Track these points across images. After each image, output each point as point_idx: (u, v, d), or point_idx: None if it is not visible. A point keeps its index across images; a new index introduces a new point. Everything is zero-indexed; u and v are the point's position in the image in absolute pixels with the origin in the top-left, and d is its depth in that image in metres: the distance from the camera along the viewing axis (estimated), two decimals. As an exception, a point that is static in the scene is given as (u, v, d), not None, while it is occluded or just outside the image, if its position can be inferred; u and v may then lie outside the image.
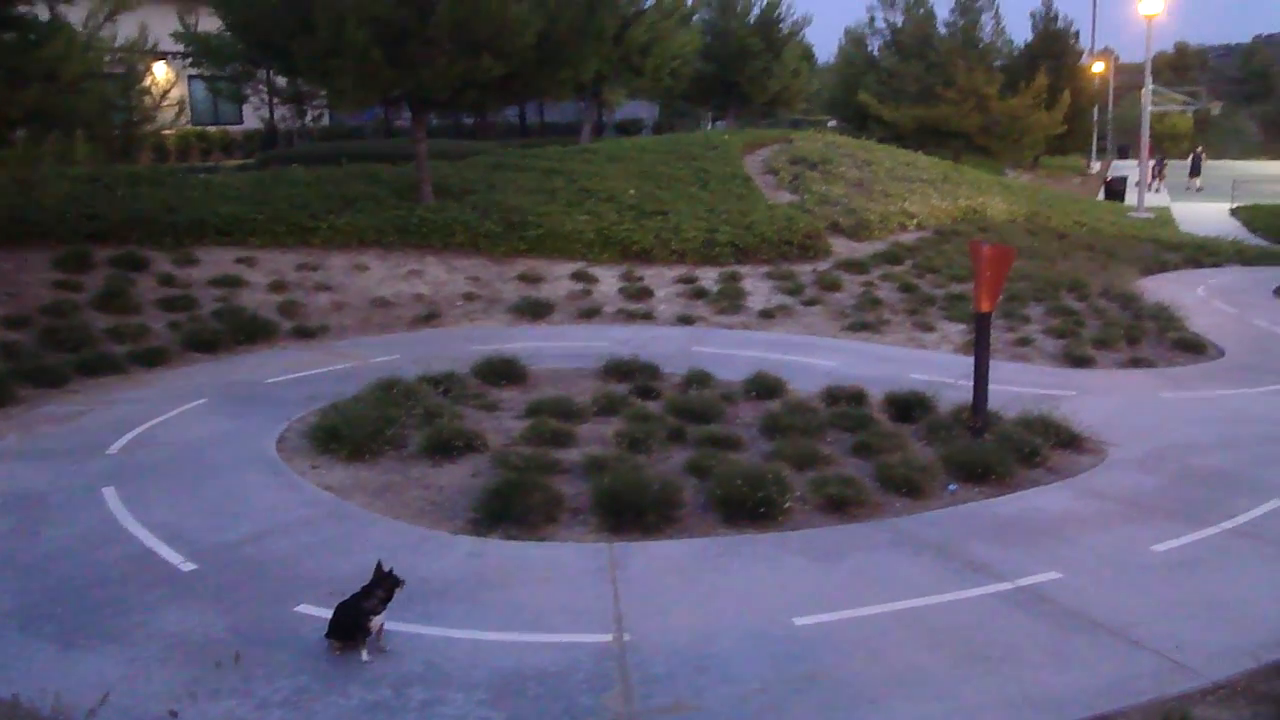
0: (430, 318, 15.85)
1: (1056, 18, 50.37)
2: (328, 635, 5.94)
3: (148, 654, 5.91)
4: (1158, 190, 47.12)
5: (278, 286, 16.16)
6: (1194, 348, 15.11)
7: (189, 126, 33.80)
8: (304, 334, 14.72)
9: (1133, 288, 19.33)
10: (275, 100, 35.37)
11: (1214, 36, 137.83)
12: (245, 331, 14.33)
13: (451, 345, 14.05)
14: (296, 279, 16.58)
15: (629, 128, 47.83)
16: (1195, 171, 49.48)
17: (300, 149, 31.99)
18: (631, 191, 21.86)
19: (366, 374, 11.90)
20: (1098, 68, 55.85)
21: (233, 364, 13.25)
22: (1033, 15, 50.66)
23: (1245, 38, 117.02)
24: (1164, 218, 35.67)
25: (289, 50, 17.81)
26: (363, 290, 16.56)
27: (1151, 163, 50.46)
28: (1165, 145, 63.69)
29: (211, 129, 36.44)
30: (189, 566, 7.08)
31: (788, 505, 8.22)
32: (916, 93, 41.16)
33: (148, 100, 26.75)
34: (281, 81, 33.14)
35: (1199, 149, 53.52)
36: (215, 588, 6.78)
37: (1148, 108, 40.57)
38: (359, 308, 15.97)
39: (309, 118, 37.01)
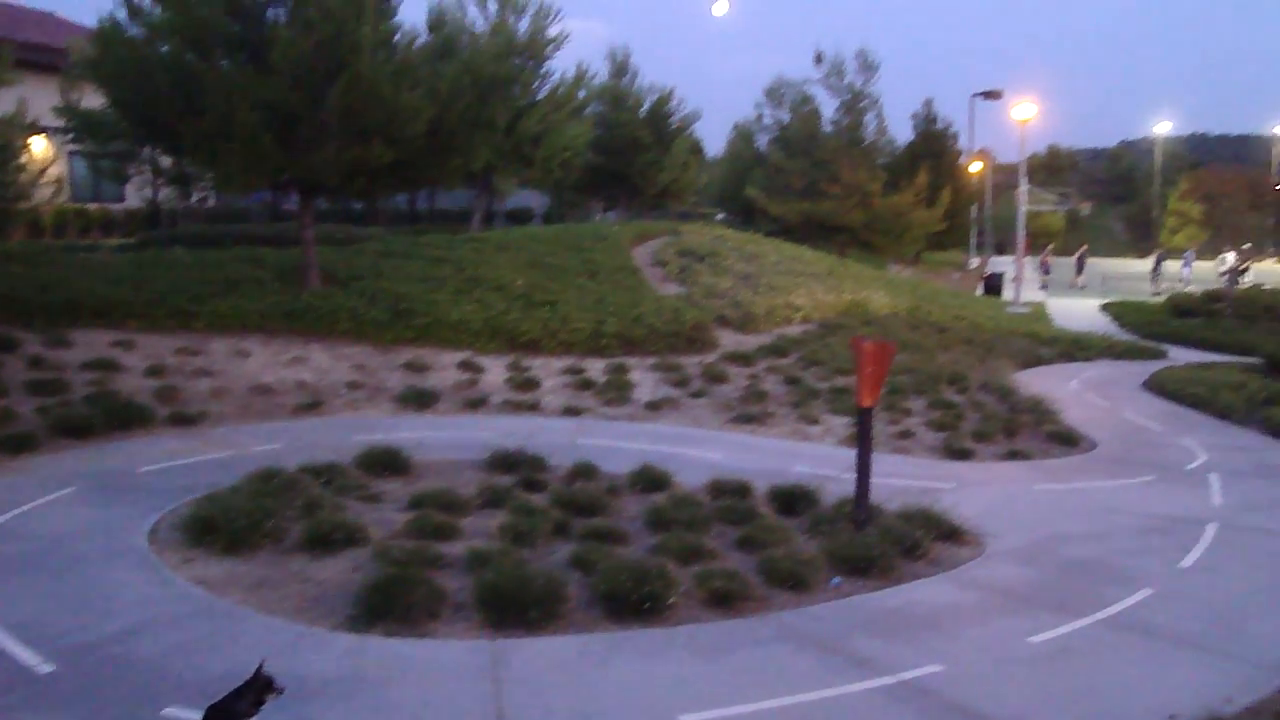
0: (313, 406, 15.53)
1: (936, 119, 52.63)
2: (194, 741, 5.69)
3: (-2, 764, 5.60)
4: (1044, 287, 49.15)
5: (155, 371, 15.70)
6: (1068, 440, 15.58)
7: (68, 203, 32.93)
8: (182, 421, 14.26)
9: (1010, 381, 19.91)
10: (159, 180, 34.69)
11: (1084, 140, 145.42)
12: (119, 417, 13.78)
13: (334, 434, 13.78)
14: (175, 364, 16.13)
15: (519, 216, 48.11)
16: (1080, 269, 51.94)
17: (184, 230, 31.42)
18: (520, 281, 21.89)
19: (245, 463, 11.56)
20: (976, 167, 58.07)
21: (105, 451, 12.76)
22: (914, 116, 52.88)
23: (1112, 142, 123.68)
24: (1039, 313, 37.00)
25: (176, 131, 17.55)
26: (244, 377, 16.18)
27: (1038, 258, 52.85)
28: (1041, 242, 66.34)
29: (91, 207, 35.44)
30: (47, 668, 6.72)
31: (673, 600, 8.19)
32: (803, 188, 42.24)
33: (24, 176, 26.12)
34: (166, 161, 32.54)
35: (1084, 247, 55.99)
36: (75, 690, 6.44)
37: (1023, 206, 42.48)
38: (240, 395, 15.58)
39: (194, 198, 36.35)
